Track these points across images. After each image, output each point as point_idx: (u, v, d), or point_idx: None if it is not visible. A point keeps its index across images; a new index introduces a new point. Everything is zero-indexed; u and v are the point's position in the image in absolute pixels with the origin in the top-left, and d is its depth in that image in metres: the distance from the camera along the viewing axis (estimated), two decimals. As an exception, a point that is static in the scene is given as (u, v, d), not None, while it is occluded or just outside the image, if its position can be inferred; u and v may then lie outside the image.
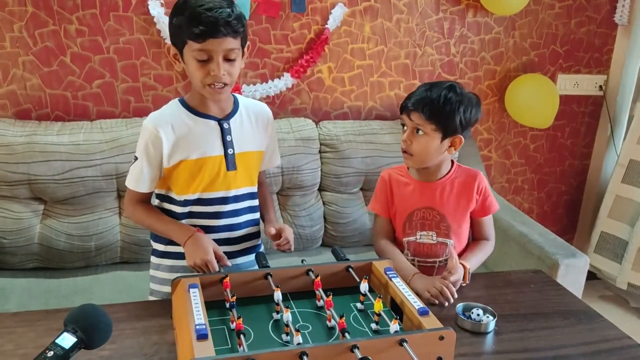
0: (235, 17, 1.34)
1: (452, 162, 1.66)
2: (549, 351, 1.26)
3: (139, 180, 1.46)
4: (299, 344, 1.09)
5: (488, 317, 1.34)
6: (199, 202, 1.48)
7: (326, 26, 2.42)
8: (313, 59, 2.43)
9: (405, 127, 1.57)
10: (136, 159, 1.47)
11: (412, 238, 1.63)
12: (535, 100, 2.65)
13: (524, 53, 2.74)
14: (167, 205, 1.52)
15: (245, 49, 1.45)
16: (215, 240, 1.47)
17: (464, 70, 2.69)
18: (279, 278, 1.34)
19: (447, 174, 1.63)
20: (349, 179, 2.36)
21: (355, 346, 1.06)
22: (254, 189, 1.56)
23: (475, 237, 1.69)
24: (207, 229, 1.49)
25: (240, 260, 1.57)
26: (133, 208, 1.51)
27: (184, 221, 1.50)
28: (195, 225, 1.48)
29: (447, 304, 1.42)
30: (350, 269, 1.39)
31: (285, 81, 2.43)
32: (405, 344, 1.08)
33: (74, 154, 2.06)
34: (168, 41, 2.23)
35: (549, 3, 2.69)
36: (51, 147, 2.05)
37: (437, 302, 1.42)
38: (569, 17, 2.74)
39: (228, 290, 1.27)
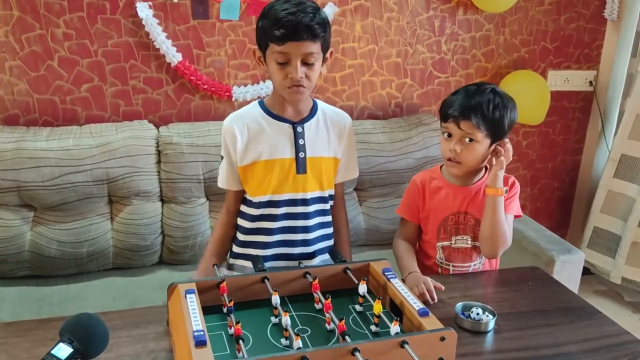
0: (317, 22, 1.36)
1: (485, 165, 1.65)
2: (549, 349, 1.26)
3: (225, 177, 1.55)
4: (299, 348, 1.08)
5: (488, 316, 1.33)
6: (270, 204, 1.52)
7: (316, 26, 2.40)
8: (304, 59, 2.41)
9: (447, 136, 1.54)
10: (222, 158, 1.55)
11: (446, 243, 1.62)
12: (526, 97, 2.64)
13: (515, 50, 2.74)
14: (243, 208, 1.58)
15: (328, 55, 1.47)
16: (290, 240, 1.56)
17: (455, 67, 2.68)
18: (276, 281, 1.32)
19: (481, 177, 1.62)
20: (342, 179, 2.34)
21: (356, 349, 1.05)
22: (324, 193, 1.57)
23: None
24: (280, 231, 1.55)
25: (316, 261, 1.60)
26: (220, 217, 1.62)
27: (258, 223, 1.55)
28: (265, 229, 1.54)
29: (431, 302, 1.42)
30: (348, 271, 1.37)
31: (276, 82, 2.41)
32: (406, 345, 1.07)
33: (63, 160, 2.03)
34: (158, 44, 2.23)
35: (538, 0, 2.69)
36: (40, 152, 2.02)
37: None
38: (558, 14, 2.74)
39: (225, 295, 1.25)
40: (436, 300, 1.41)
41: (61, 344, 0.93)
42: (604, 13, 2.75)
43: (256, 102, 1.55)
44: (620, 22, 2.75)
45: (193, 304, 1.17)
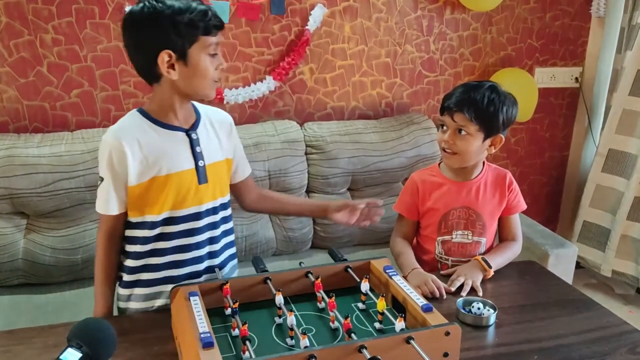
0: None
1: (483, 161, 1.68)
2: (550, 341, 1.27)
3: (108, 201, 1.34)
4: (306, 347, 1.08)
5: (489, 310, 1.35)
6: (168, 221, 1.38)
7: (306, 27, 2.41)
8: (295, 61, 2.42)
9: (444, 128, 1.59)
10: (102, 179, 1.35)
11: (447, 237, 1.65)
12: (514, 94, 2.65)
13: (502, 48, 2.77)
14: (131, 232, 1.39)
15: None
16: (197, 257, 1.42)
17: (443, 67, 2.71)
18: (279, 282, 1.32)
19: (480, 173, 1.65)
20: (336, 180, 2.35)
21: (363, 346, 1.05)
22: (225, 199, 1.49)
23: (502, 237, 1.71)
24: (184, 248, 1.40)
25: (224, 271, 1.50)
26: (100, 242, 1.40)
27: (153, 245, 1.38)
28: (169, 248, 1.39)
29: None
30: (349, 269, 1.38)
31: (267, 84, 2.41)
32: (412, 341, 1.08)
33: (56, 166, 2.01)
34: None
35: (523, -2, 2.73)
36: (32, 159, 1.99)
37: (429, 296, 1.44)
38: (543, 11, 2.78)
39: (229, 296, 1.25)
40: (445, 297, 1.43)
41: (70, 349, 0.92)
42: (591, 10, 2.79)
43: (134, 112, 1.38)
44: (604, 18, 2.79)
45: (197, 306, 1.17)
